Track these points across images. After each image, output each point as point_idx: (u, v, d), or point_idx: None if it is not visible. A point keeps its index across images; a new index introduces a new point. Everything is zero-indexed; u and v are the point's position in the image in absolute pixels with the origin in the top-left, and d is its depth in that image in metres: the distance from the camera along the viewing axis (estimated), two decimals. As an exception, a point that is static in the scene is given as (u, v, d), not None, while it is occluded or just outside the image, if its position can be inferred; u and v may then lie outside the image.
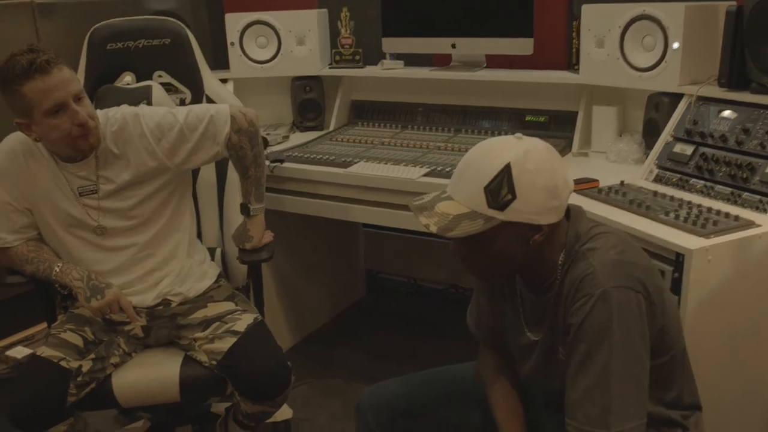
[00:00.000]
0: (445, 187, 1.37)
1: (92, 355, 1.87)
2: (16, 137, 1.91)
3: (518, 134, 1.33)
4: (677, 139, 2.14)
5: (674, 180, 2.07)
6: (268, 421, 2.13)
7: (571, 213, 1.39)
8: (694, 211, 1.82)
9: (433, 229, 1.30)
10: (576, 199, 1.98)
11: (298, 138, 2.89)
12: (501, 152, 1.28)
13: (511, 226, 1.28)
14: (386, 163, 2.44)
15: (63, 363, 1.81)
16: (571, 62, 2.65)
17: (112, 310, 1.87)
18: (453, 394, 1.63)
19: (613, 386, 1.22)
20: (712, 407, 1.54)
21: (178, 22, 2.37)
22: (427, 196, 1.37)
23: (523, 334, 1.47)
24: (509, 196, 1.25)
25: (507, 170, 1.25)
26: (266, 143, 2.71)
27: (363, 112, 3.03)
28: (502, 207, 1.26)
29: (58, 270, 1.88)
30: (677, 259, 1.65)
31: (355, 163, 2.47)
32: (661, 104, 2.26)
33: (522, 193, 1.26)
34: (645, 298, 1.26)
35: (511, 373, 1.57)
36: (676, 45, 2.19)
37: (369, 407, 1.62)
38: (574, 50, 2.61)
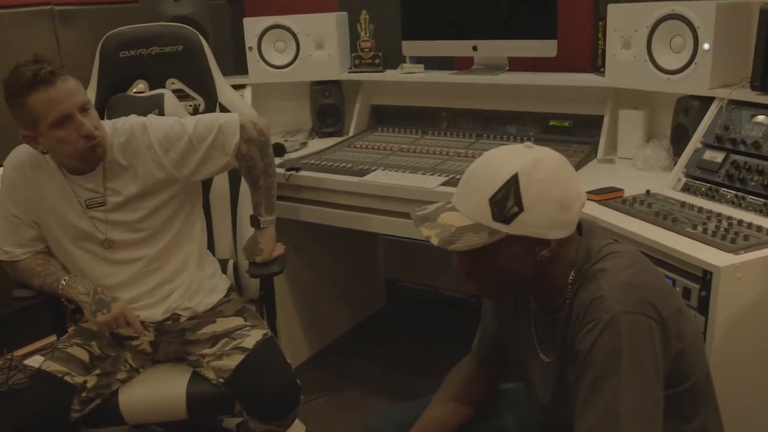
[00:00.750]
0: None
1: (98, 371, 1.84)
2: (24, 150, 1.89)
3: (528, 143, 1.26)
4: (707, 146, 2.04)
5: (703, 189, 1.96)
6: (280, 436, 2.08)
7: (583, 228, 1.31)
8: (724, 224, 1.72)
9: (435, 241, 1.23)
10: (599, 210, 1.89)
11: (317, 144, 2.84)
12: (508, 161, 1.21)
13: (517, 240, 1.21)
14: (404, 171, 2.37)
15: (67, 378, 1.78)
16: (596, 64, 2.55)
17: (118, 325, 1.83)
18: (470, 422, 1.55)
19: (623, 419, 1.14)
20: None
21: (191, 29, 2.33)
22: (430, 206, 1.30)
23: (536, 355, 1.39)
24: (515, 209, 1.18)
25: (514, 180, 1.18)
26: (284, 150, 2.67)
27: (383, 117, 2.97)
28: (507, 220, 1.19)
29: (64, 284, 1.85)
30: (704, 277, 1.55)
31: (372, 171, 2.40)
32: (690, 108, 2.16)
33: (530, 205, 1.18)
34: (658, 324, 1.17)
35: (482, 388, 1.55)
36: (706, 46, 2.08)
37: None
38: (599, 52, 2.51)
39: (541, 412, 1.43)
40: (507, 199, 1.18)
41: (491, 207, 1.19)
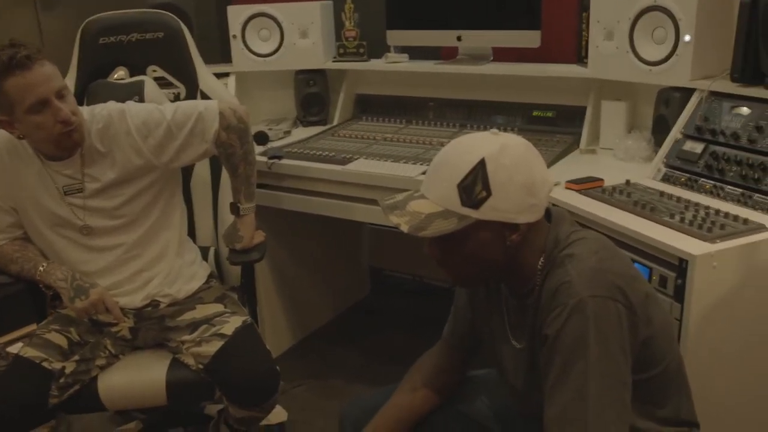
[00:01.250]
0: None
1: (76, 357, 1.84)
2: (0, 136, 1.87)
3: (494, 130, 1.27)
4: (687, 137, 2.05)
5: (683, 180, 1.97)
6: (262, 423, 2.08)
7: (552, 215, 1.32)
8: (701, 213, 1.73)
9: (404, 228, 1.24)
10: (579, 200, 1.90)
11: (301, 133, 2.83)
12: (475, 148, 1.22)
13: (486, 225, 1.22)
14: (386, 161, 2.37)
15: (45, 364, 1.78)
16: (580, 55, 2.56)
17: (97, 311, 1.83)
18: (443, 418, 1.56)
19: (591, 403, 1.14)
20: (713, 424, 1.45)
21: (172, 16, 2.31)
22: (399, 195, 1.31)
23: (508, 341, 1.40)
24: (483, 193, 1.19)
25: (481, 165, 1.19)
26: (267, 139, 2.66)
27: (368, 106, 2.96)
28: (476, 205, 1.20)
29: (42, 270, 1.84)
30: (681, 265, 1.56)
31: (355, 159, 2.40)
32: (671, 99, 2.16)
33: (497, 189, 1.19)
34: (626, 308, 1.18)
35: (451, 375, 1.56)
36: (687, 37, 2.09)
37: (350, 420, 1.56)
38: (583, 43, 2.51)
39: (514, 397, 1.44)
40: (475, 184, 1.19)
41: (459, 192, 1.20)
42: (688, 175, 1.98)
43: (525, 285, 1.31)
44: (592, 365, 1.15)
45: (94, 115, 1.86)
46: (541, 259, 1.28)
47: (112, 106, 1.90)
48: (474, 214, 1.20)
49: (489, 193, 1.19)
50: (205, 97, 2.29)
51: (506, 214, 1.21)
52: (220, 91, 2.33)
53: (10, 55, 1.66)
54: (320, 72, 2.94)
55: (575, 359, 1.16)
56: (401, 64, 2.82)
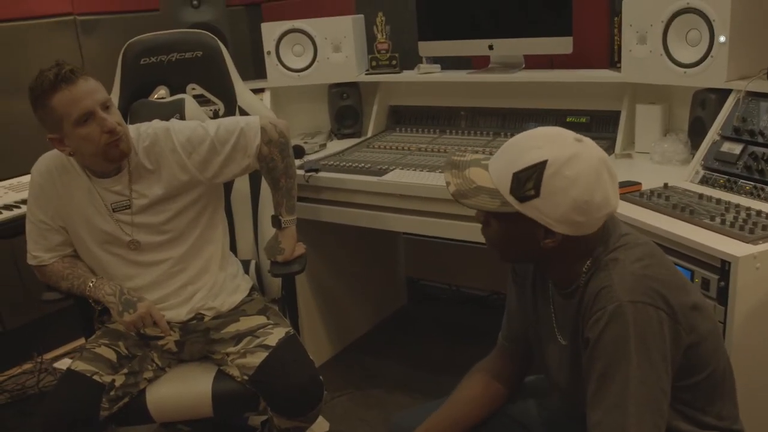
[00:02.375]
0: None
1: (125, 370, 1.88)
2: (50, 156, 1.94)
3: (580, 135, 1.24)
4: (725, 138, 2.04)
5: (721, 181, 1.96)
6: (304, 434, 2.10)
7: (607, 218, 1.30)
8: (742, 214, 1.72)
9: (451, 189, 1.27)
10: (616, 204, 1.90)
11: (336, 146, 2.87)
12: (547, 146, 1.21)
13: (525, 219, 1.22)
14: (422, 170, 2.39)
15: (96, 377, 1.82)
16: (613, 60, 2.56)
17: (144, 324, 1.87)
18: (490, 421, 1.55)
19: (631, 410, 1.15)
20: (759, 427, 1.44)
21: (210, 35, 2.37)
22: (469, 154, 1.33)
23: (554, 338, 1.40)
24: (532, 192, 1.20)
25: (541, 166, 1.19)
26: (303, 152, 2.70)
27: (401, 117, 2.99)
28: (521, 199, 1.21)
29: (91, 285, 1.90)
30: (723, 267, 1.56)
31: (391, 170, 2.43)
32: (707, 101, 2.16)
33: (547, 194, 1.19)
34: (668, 315, 1.18)
35: (508, 380, 1.54)
36: (722, 38, 2.08)
37: None
38: (615, 47, 2.51)
39: (560, 395, 1.44)
40: (528, 180, 1.19)
41: (512, 180, 1.21)
42: (727, 176, 1.97)
43: (569, 285, 1.31)
44: (633, 372, 1.15)
45: (140, 133, 1.92)
46: (588, 261, 1.28)
47: (157, 124, 1.95)
48: (517, 205, 1.22)
49: (537, 194, 1.19)
50: (243, 113, 2.34)
51: (546, 219, 1.21)
52: (257, 107, 2.38)
53: (55, 73, 1.73)
54: (353, 85, 2.98)
55: (616, 365, 1.16)
56: (433, 74, 2.85)
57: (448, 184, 1.28)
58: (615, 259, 1.24)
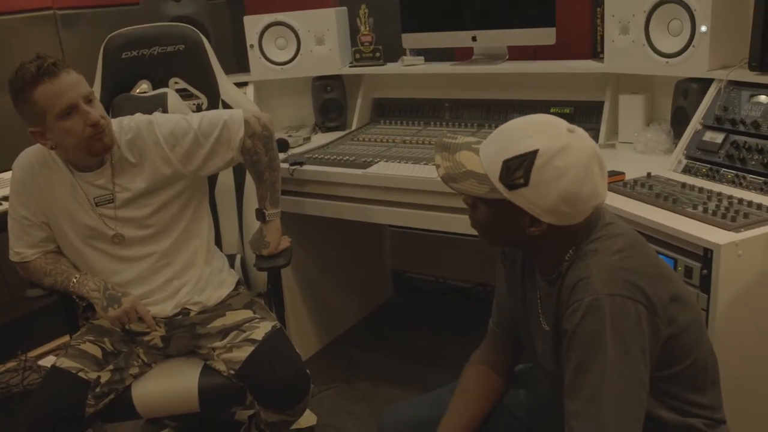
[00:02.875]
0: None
1: (111, 366, 1.87)
2: (32, 151, 1.92)
3: (573, 126, 1.23)
4: (707, 127, 2.05)
5: (704, 170, 1.98)
6: (292, 427, 2.10)
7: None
8: (724, 203, 1.73)
9: (440, 172, 1.27)
10: (600, 194, 1.91)
11: (320, 139, 2.87)
12: (539, 135, 1.20)
13: (513, 207, 1.23)
14: (406, 162, 2.39)
15: (81, 374, 1.81)
16: (596, 51, 2.57)
17: (130, 319, 1.86)
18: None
19: (609, 401, 1.15)
20: (739, 416, 1.45)
21: (192, 28, 2.36)
22: (460, 137, 1.32)
23: (539, 323, 1.41)
24: (521, 180, 1.19)
25: (532, 156, 1.18)
26: (287, 145, 2.69)
27: (385, 109, 2.99)
28: (510, 186, 1.21)
29: (75, 281, 1.88)
30: (705, 255, 1.57)
31: (375, 163, 2.42)
32: (689, 91, 2.17)
33: (535, 184, 1.19)
34: (646, 309, 1.18)
35: (503, 370, 1.54)
36: (704, 28, 2.10)
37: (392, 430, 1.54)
38: (598, 38, 2.52)
39: (547, 381, 1.45)
40: (518, 168, 1.19)
41: (502, 167, 1.20)
42: (709, 165, 1.99)
43: (552, 271, 1.31)
44: (610, 364, 1.15)
45: (123, 126, 1.90)
46: (570, 251, 1.28)
47: (139, 117, 1.94)
48: (505, 192, 1.22)
49: (526, 183, 1.19)
50: (226, 106, 2.33)
51: (534, 208, 1.21)
52: (241, 100, 2.37)
53: (37, 65, 1.71)
54: (337, 78, 2.97)
55: (592, 357, 1.16)
56: (417, 66, 2.84)
57: (437, 166, 1.28)
58: (594, 249, 1.24)
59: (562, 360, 1.25)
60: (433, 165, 1.30)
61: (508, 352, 1.57)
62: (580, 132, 1.23)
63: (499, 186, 1.22)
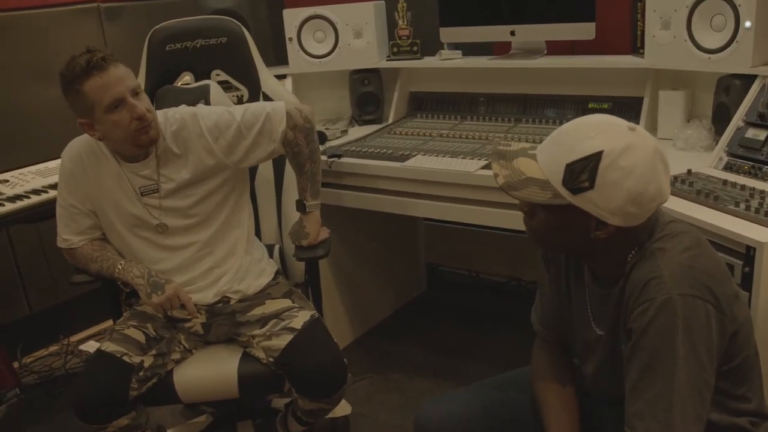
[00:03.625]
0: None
1: (154, 351, 1.91)
2: (80, 141, 1.97)
3: (633, 124, 1.22)
4: (749, 124, 2.03)
5: (746, 168, 1.96)
6: (327, 416, 2.13)
7: None
8: (767, 201, 1.72)
9: (500, 181, 1.25)
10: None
11: (357, 132, 2.89)
12: (601, 135, 1.18)
13: (577, 211, 1.21)
14: (444, 156, 2.41)
15: (126, 358, 1.85)
16: (636, 46, 2.55)
17: (172, 306, 1.90)
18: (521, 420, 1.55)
19: (676, 401, 1.15)
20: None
21: (235, 21, 2.39)
22: (515, 144, 1.30)
23: (589, 327, 1.40)
24: (586, 184, 1.17)
25: (596, 157, 1.16)
26: (325, 138, 2.72)
27: (422, 103, 3.00)
28: (575, 191, 1.19)
29: (120, 268, 1.93)
30: (747, 253, 1.56)
31: (413, 156, 2.44)
32: (731, 87, 2.15)
33: (601, 186, 1.17)
34: (715, 309, 1.17)
35: (568, 372, 1.51)
36: (748, 24, 2.07)
37: (429, 425, 1.54)
38: (639, 33, 2.50)
39: (586, 383, 1.45)
40: (582, 171, 1.17)
41: (565, 171, 1.18)
42: (751, 163, 1.97)
43: (612, 273, 1.30)
44: (679, 365, 1.14)
45: (168, 118, 1.94)
46: (633, 251, 1.27)
47: (184, 109, 1.98)
48: (569, 197, 1.20)
49: (591, 186, 1.17)
50: (267, 98, 2.36)
51: (600, 211, 1.20)
52: (281, 93, 2.40)
53: (87, 59, 1.75)
54: (374, 71, 2.99)
55: (662, 357, 1.16)
56: (455, 60, 2.85)
57: (496, 175, 1.26)
58: (662, 248, 1.22)
59: (624, 360, 1.24)
60: (493, 174, 1.28)
61: (564, 354, 1.54)
62: (641, 130, 1.22)
63: (563, 191, 1.20)
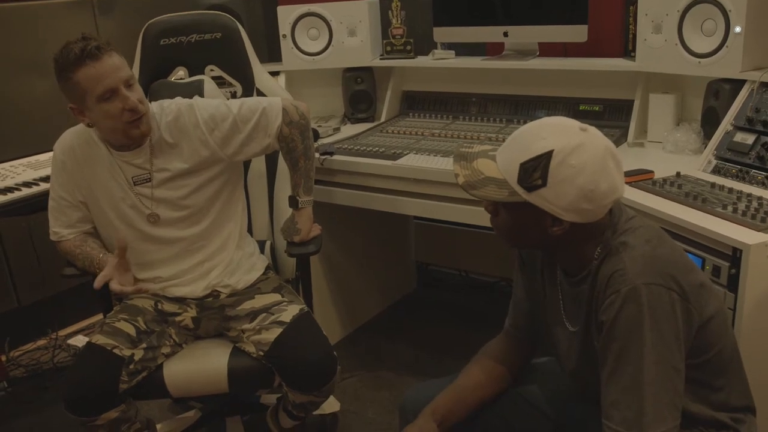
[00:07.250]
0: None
1: (144, 345, 1.91)
2: (72, 132, 1.97)
3: (585, 125, 1.27)
4: (738, 128, 2.06)
5: (734, 171, 1.98)
6: (315, 413, 2.14)
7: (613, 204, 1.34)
8: (754, 203, 1.74)
9: (460, 181, 1.31)
10: (630, 192, 1.92)
11: (350, 130, 2.89)
12: (553, 136, 1.24)
13: (534, 208, 1.26)
14: (435, 155, 2.42)
15: (116, 351, 1.85)
16: (627, 49, 2.57)
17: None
18: (500, 400, 1.59)
19: (647, 388, 1.19)
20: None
21: (229, 17, 2.39)
22: (477, 146, 1.36)
23: (561, 324, 1.44)
24: (539, 182, 1.23)
25: (547, 156, 1.22)
26: (317, 135, 2.73)
27: (414, 102, 3.01)
28: (529, 188, 1.24)
29: (96, 263, 1.93)
30: (734, 255, 1.58)
31: (404, 155, 2.45)
32: (721, 91, 2.17)
33: (553, 184, 1.22)
34: (679, 296, 1.21)
35: (513, 364, 1.58)
36: (738, 29, 2.10)
37: (413, 408, 1.57)
38: (630, 36, 2.53)
39: (569, 377, 1.48)
40: (535, 170, 1.23)
41: (520, 170, 1.24)
42: (739, 166, 1.99)
43: (580, 270, 1.34)
44: (647, 352, 1.18)
45: (164, 108, 1.95)
46: (598, 247, 1.31)
47: (180, 100, 1.99)
48: (524, 195, 1.25)
49: (544, 184, 1.23)
50: (261, 95, 2.37)
51: (554, 208, 1.24)
52: (275, 89, 2.41)
53: (81, 47, 1.75)
54: (368, 69, 3.00)
55: (630, 346, 1.20)
56: (448, 60, 2.86)
57: (456, 175, 1.32)
58: (624, 242, 1.27)
59: (597, 353, 1.27)
60: (453, 174, 1.34)
61: (522, 348, 1.61)
62: (593, 130, 1.27)
63: (518, 189, 1.25)
